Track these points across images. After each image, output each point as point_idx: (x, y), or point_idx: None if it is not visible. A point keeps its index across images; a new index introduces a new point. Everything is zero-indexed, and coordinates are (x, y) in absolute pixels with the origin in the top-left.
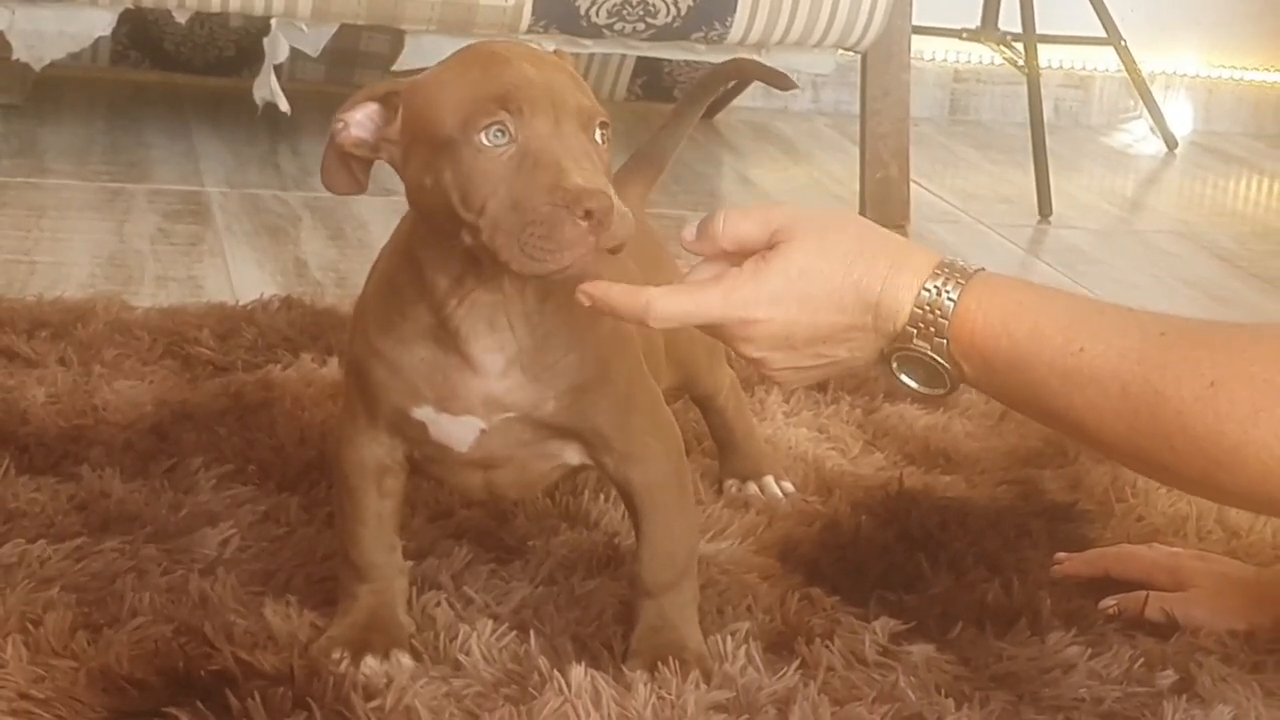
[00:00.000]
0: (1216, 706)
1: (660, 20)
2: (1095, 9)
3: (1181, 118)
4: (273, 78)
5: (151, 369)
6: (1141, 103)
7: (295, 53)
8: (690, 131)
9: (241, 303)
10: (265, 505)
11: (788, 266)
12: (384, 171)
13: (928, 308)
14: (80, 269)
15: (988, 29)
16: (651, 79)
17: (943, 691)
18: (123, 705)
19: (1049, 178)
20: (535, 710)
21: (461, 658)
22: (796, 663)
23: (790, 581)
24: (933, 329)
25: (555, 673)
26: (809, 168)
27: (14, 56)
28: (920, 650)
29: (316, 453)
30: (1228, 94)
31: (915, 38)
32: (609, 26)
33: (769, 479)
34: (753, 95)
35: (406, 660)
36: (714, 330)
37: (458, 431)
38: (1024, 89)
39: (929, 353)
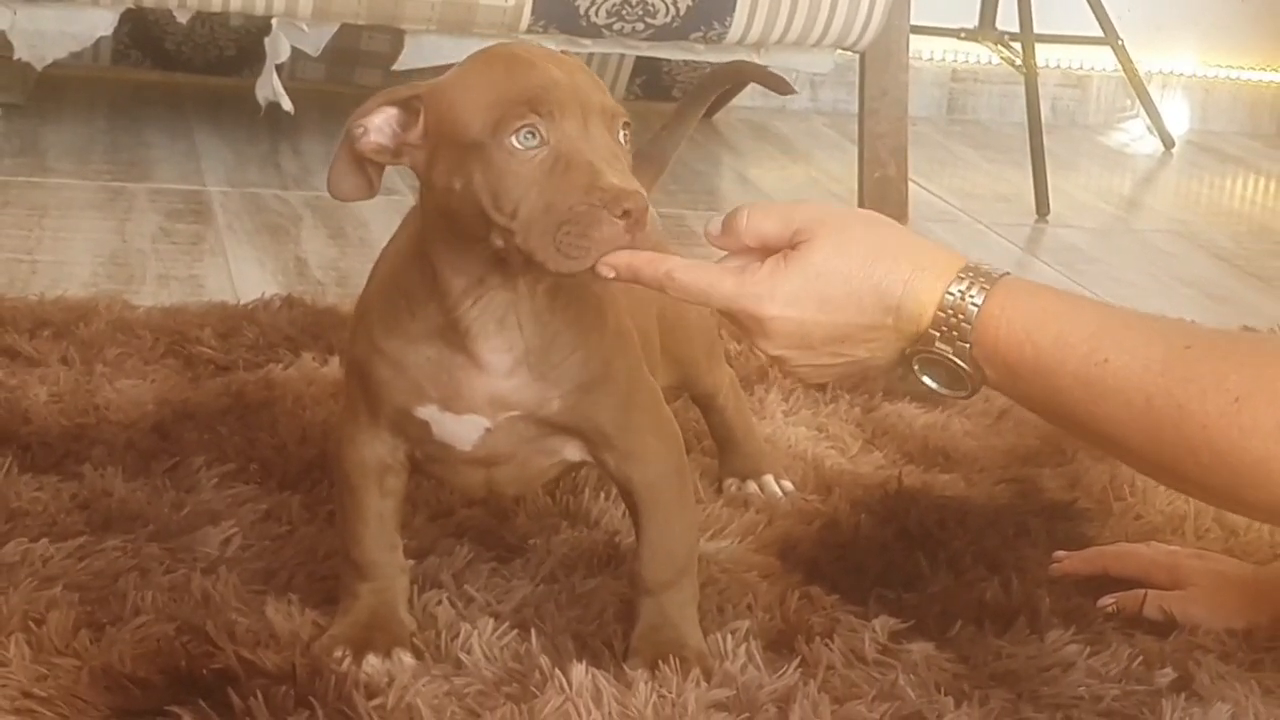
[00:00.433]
0: (1215, 704)
1: (659, 20)
2: (1092, 9)
3: (1178, 117)
4: (275, 77)
5: (153, 368)
6: (1138, 102)
7: (296, 52)
8: (691, 132)
9: (243, 302)
10: (267, 504)
11: (805, 267)
12: (385, 172)
13: (951, 311)
14: (82, 268)
15: (985, 29)
16: (651, 78)
17: (942, 690)
18: (125, 704)
19: (1046, 177)
20: (536, 709)
21: (463, 656)
22: (796, 661)
23: (790, 580)
24: (955, 333)
25: (556, 671)
26: (807, 167)
27: (16, 56)
28: (920, 648)
29: (318, 451)
30: (1224, 93)
31: (913, 37)
32: (608, 26)
33: (768, 478)
34: (751, 95)
35: (408, 659)
36: (733, 322)
37: (462, 430)
38: (1021, 88)
39: (951, 356)
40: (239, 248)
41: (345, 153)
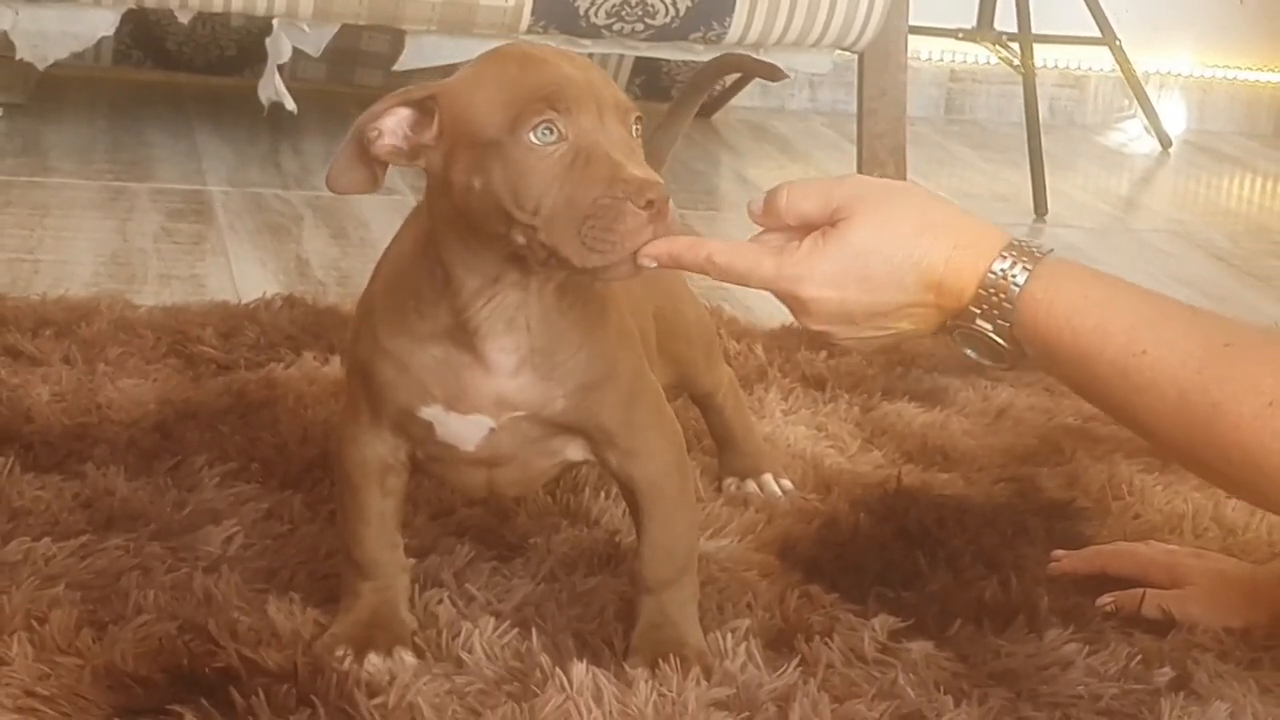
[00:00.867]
0: (1213, 703)
1: (659, 21)
2: (1090, 9)
3: (1176, 117)
4: (277, 77)
5: (155, 367)
6: (1136, 102)
7: (297, 52)
8: (685, 130)
9: (244, 301)
10: (268, 503)
11: (844, 247)
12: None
13: (992, 290)
14: (84, 268)
15: (984, 29)
16: (650, 78)
17: (941, 688)
18: (127, 702)
19: (1044, 177)
20: (537, 707)
21: (464, 655)
22: (796, 660)
23: (789, 579)
24: (996, 311)
25: (557, 670)
26: (806, 166)
27: (17, 56)
28: (919, 647)
29: (319, 451)
30: (1221, 93)
31: (912, 37)
32: (608, 27)
33: (768, 477)
34: (750, 95)
35: (409, 657)
36: (777, 297)
37: (466, 430)
38: (1019, 88)
39: (991, 334)
40: (240, 247)
41: (352, 149)
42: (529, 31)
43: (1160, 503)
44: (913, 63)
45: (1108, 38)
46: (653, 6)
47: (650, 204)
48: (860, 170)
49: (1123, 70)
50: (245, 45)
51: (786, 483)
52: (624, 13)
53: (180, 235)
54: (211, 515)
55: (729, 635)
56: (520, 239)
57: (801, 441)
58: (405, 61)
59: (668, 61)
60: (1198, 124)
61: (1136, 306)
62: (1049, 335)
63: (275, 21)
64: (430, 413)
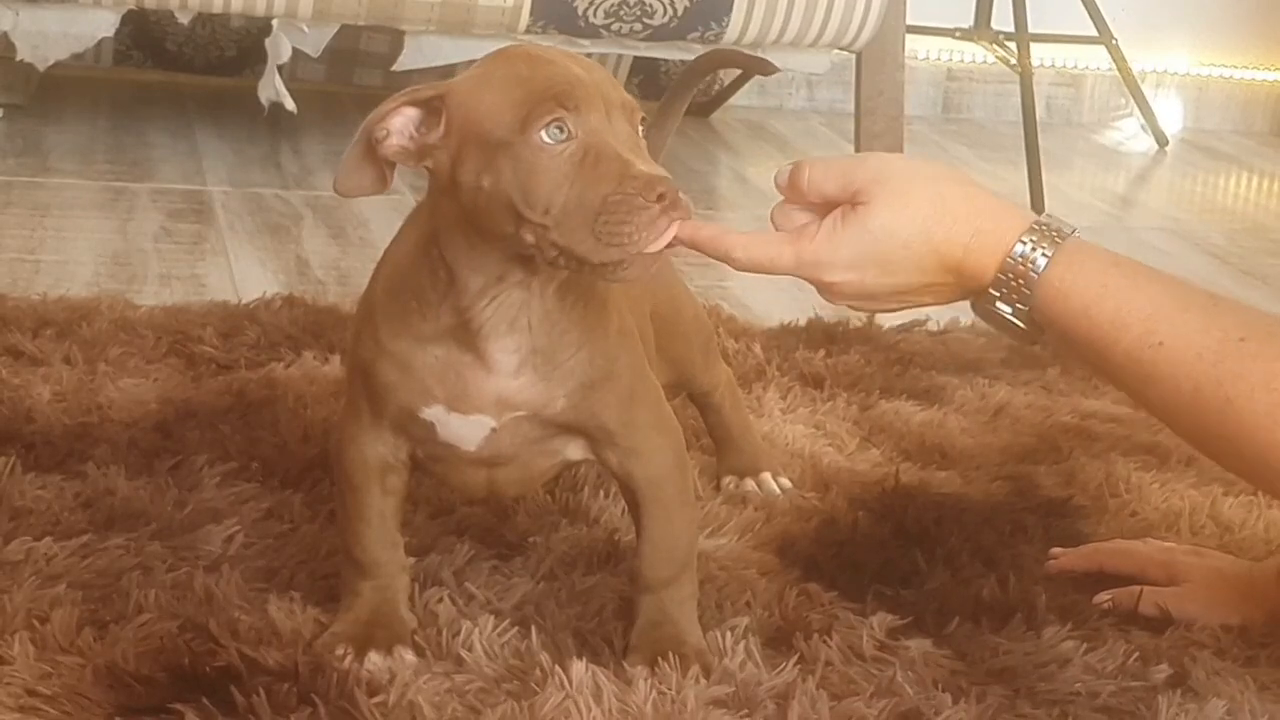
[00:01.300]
0: (1210, 700)
1: (657, 20)
2: (1087, 8)
3: (1172, 116)
4: (277, 77)
5: (155, 367)
6: (1132, 101)
7: (296, 53)
8: (676, 127)
9: (244, 301)
10: (269, 502)
11: (863, 233)
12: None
13: (1011, 275)
14: (84, 268)
15: (981, 28)
16: (648, 78)
17: (939, 686)
18: (129, 701)
19: (1041, 175)
20: (537, 705)
21: (464, 653)
22: (795, 658)
23: (788, 577)
24: (1015, 295)
25: (556, 668)
26: None
27: (18, 57)
28: (917, 645)
29: (319, 450)
30: (1217, 92)
31: (909, 37)
32: (606, 27)
33: (766, 475)
34: (748, 94)
35: (409, 656)
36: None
37: (467, 431)
38: (1016, 87)
39: (1010, 316)
40: (240, 247)
41: (360, 151)
42: (527, 31)
43: (1157, 500)
44: (910, 62)
45: (1104, 37)
46: (651, 6)
47: (661, 197)
48: None
49: (1119, 69)
50: (245, 46)
51: (785, 481)
52: (622, 13)
53: (180, 235)
54: (212, 514)
55: (728, 633)
56: (530, 238)
57: (800, 440)
58: (404, 62)
59: (666, 61)
60: (1194, 122)
61: (1154, 297)
62: (1065, 322)
63: (275, 22)
64: (431, 413)
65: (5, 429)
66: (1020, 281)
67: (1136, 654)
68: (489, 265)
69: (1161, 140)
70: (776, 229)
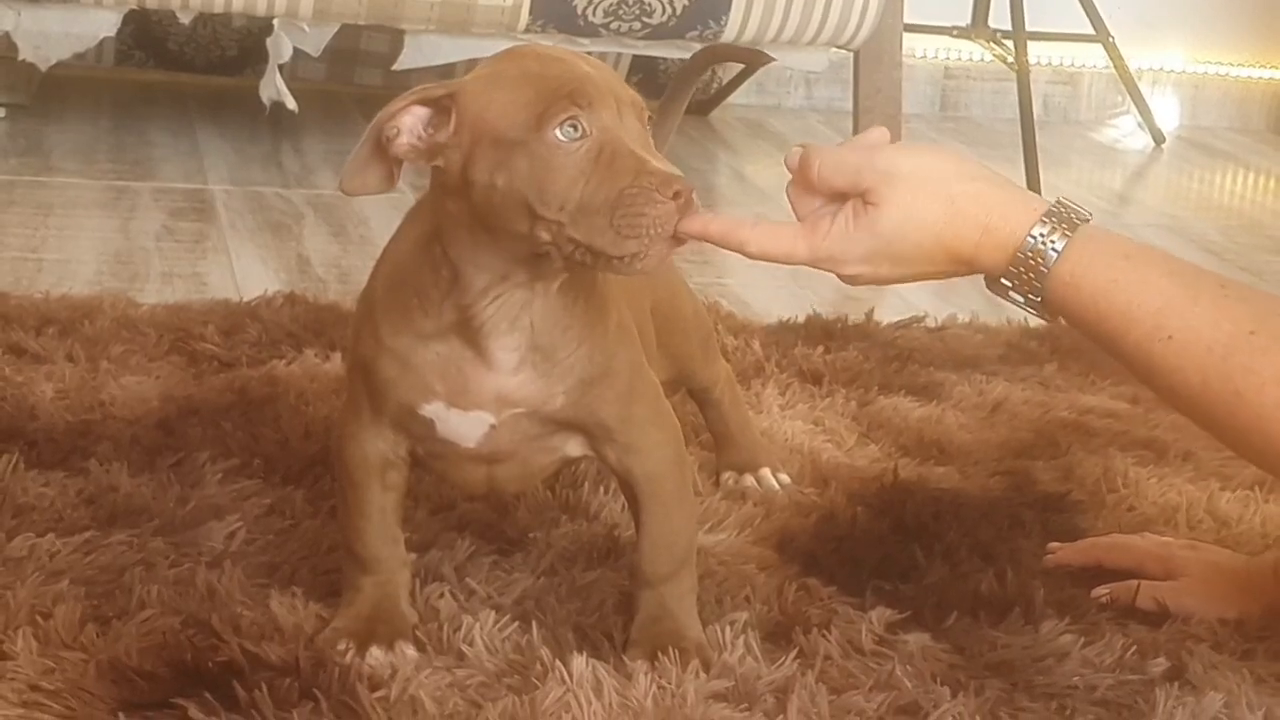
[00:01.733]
0: (1208, 693)
1: (656, 19)
2: (1083, 6)
3: (1168, 113)
4: (278, 77)
5: (158, 365)
6: (1129, 98)
7: (297, 52)
8: (677, 125)
9: (246, 299)
10: (270, 498)
11: (876, 234)
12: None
13: (1022, 268)
14: (87, 266)
15: (978, 26)
16: (647, 77)
17: (938, 680)
18: (132, 696)
19: (1039, 172)
20: (537, 700)
21: (465, 648)
22: (794, 652)
23: (787, 572)
24: (1027, 287)
25: (557, 662)
26: None
27: (20, 57)
28: (916, 639)
29: (321, 447)
30: (1214, 89)
31: (907, 35)
32: (605, 25)
33: (765, 471)
34: (747, 92)
35: (410, 651)
36: None
37: (467, 427)
38: (1014, 85)
39: (1023, 305)
40: (242, 245)
41: (368, 150)
42: (527, 30)
43: (1155, 495)
44: (908, 60)
45: (1101, 35)
46: (650, 5)
47: (678, 194)
48: None
49: (1116, 67)
50: (246, 45)
51: (784, 477)
52: (621, 11)
53: (182, 234)
54: (214, 511)
55: (728, 628)
56: (545, 235)
57: (799, 436)
58: (404, 61)
59: (665, 60)
60: (1190, 120)
61: (1164, 290)
62: (1076, 313)
63: (276, 22)
64: (431, 409)
65: (8, 426)
66: (1031, 275)
67: (1134, 647)
68: (494, 264)
69: (1158, 138)
70: (792, 206)
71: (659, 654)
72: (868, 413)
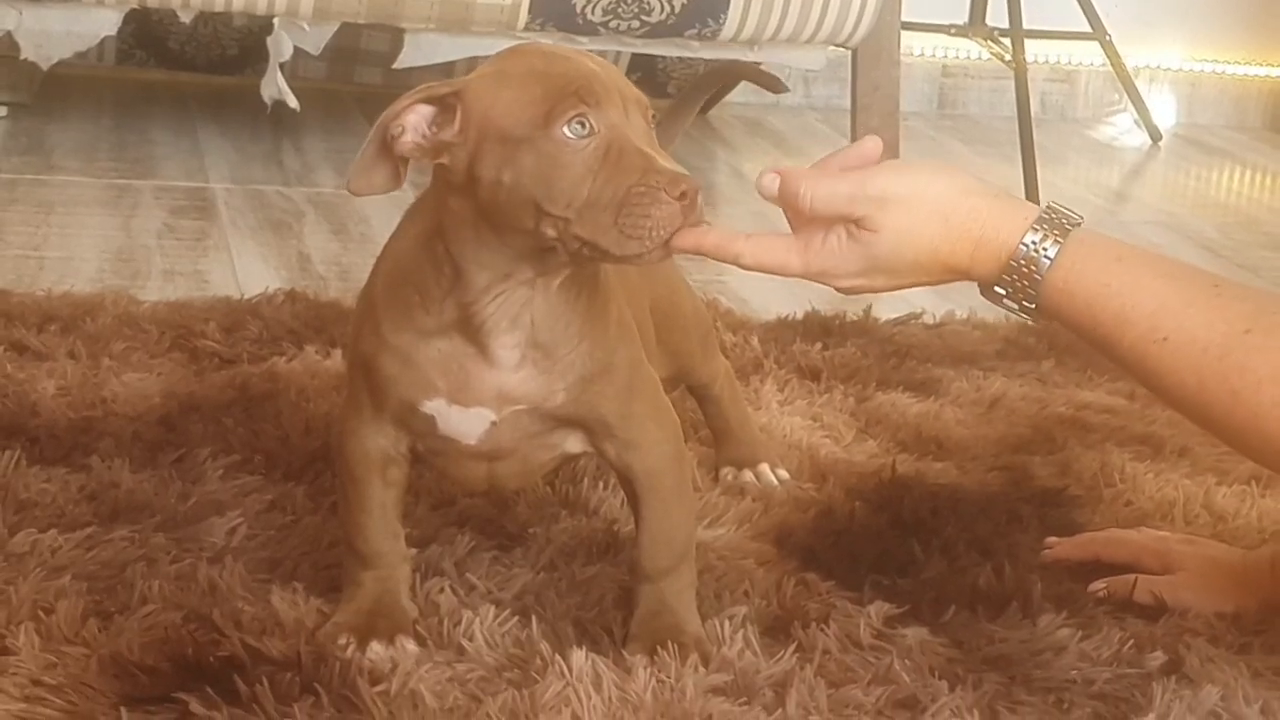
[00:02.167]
0: (1204, 687)
1: (655, 18)
2: (1080, 5)
3: (1165, 111)
4: (279, 75)
5: (159, 361)
6: (1126, 96)
7: (297, 51)
8: (686, 128)
9: (246, 296)
10: (271, 494)
11: (872, 256)
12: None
13: (1017, 276)
14: (88, 264)
15: (975, 25)
16: (646, 75)
17: (936, 674)
18: (133, 691)
19: (1036, 170)
20: (537, 694)
21: (465, 643)
22: (793, 646)
23: (786, 566)
24: (1021, 295)
25: (557, 657)
26: (800, 162)
27: (21, 56)
28: (914, 633)
29: (321, 443)
30: (1210, 87)
31: (904, 34)
32: (604, 24)
33: (764, 466)
34: (745, 91)
35: (411, 645)
36: None
37: (468, 424)
38: (1011, 83)
39: (1017, 312)
40: (243, 243)
41: (374, 149)
42: (526, 29)
43: (1152, 490)
44: (905, 58)
45: (1098, 33)
46: (648, 3)
47: (684, 195)
48: None
49: (1113, 65)
50: (247, 44)
51: (783, 472)
52: (620, 10)
53: (183, 232)
54: (215, 507)
55: (726, 622)
56: (550, 232)
57: (797, 432)
58: (404, 59)
59: (663, 58)
60: (1187, 117)
61: (1158, 292)
62: (1071, 318)
63: (276, 20)
64: (433, 406)
65: (11, 423)
66: (1025, 283)
67: (1131, 641)
68: (497, 263)
69: (1155, 135)
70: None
71: (658, 648)
72: (866, 408)
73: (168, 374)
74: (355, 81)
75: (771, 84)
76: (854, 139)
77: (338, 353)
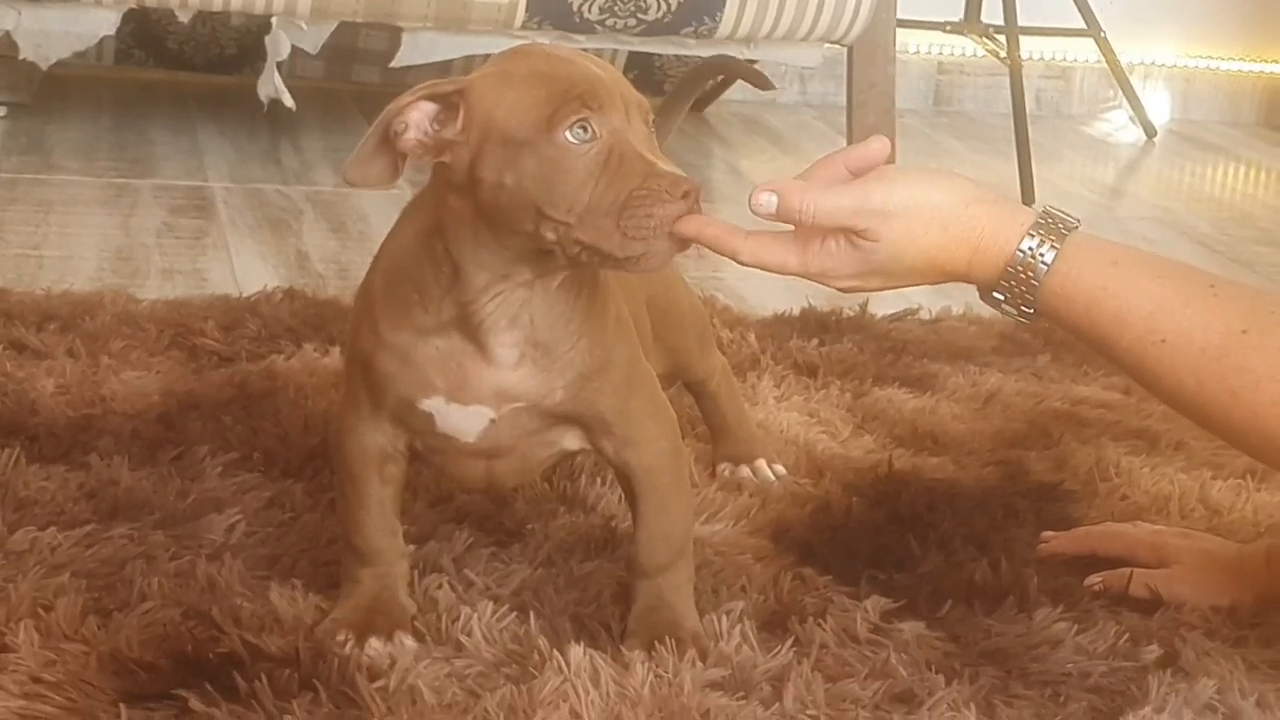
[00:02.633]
0: (1200, 680)
1: (651, 16)
2: (1075, 1)
3: (1160, 107)
4: (276, 75)
5: (158, 360)
6: (1121, 92)
7: (295, 50)
8: (678, 126)
9: (245, 295)
10: (270, 491)
11: (868, 264)
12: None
13: (1014, 281)
14: (88, 263)
15: (971, 22)
16: (643, 73)
17: (933, 668)
18: (132, 688)
19: (1031, 167)
20: (535, 689)
21: (463, 639)
22: (790, 641)
23: (783, 562)
24: (1020, 300)
25: (555, 652)
26: (797, 159)
27: (21, 56)
28: (911, 628)
29: (320, 440)
30: (1205, 83)
31: (900, 31)
32: (601, 22)
33: (761, 462)
34: (741, 89)
35: (409, 641)
36: None
37: (466, 422)
38: (1006, 80)
39: (1016, 316)
40: (241, 242)
41: (374, 143)
42: (523, 28)
43: (1147, 484)
44: (901, 56)
45: (1092, 29)
46: (645, 2)
47: (686, 195)
48: None
49: (1107, 61)
50: (245, 44)
51: (780, 468)
52: (616, 8)
53: (182, 230)
54: (214, 504)
55: (724, 617)
56: (550, 235)
57: (794, 427)
58: (402, 58)
59: (660, 56)
60: (1182, 113)
61: (1155, 294)
62: (1069, 321)
63: (274, 20)
64: (431, 404)
65: (10, 421)
66: (1023, 288)
67: (1127, 635)
68: (496, 263)
69: (1150, 131)
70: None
71: (656, 643)
72: (862, 404)
73: (166, 372)
74: (353, 80)
75: (760, 81)
76: (850, 136)
77: (336, 350)
